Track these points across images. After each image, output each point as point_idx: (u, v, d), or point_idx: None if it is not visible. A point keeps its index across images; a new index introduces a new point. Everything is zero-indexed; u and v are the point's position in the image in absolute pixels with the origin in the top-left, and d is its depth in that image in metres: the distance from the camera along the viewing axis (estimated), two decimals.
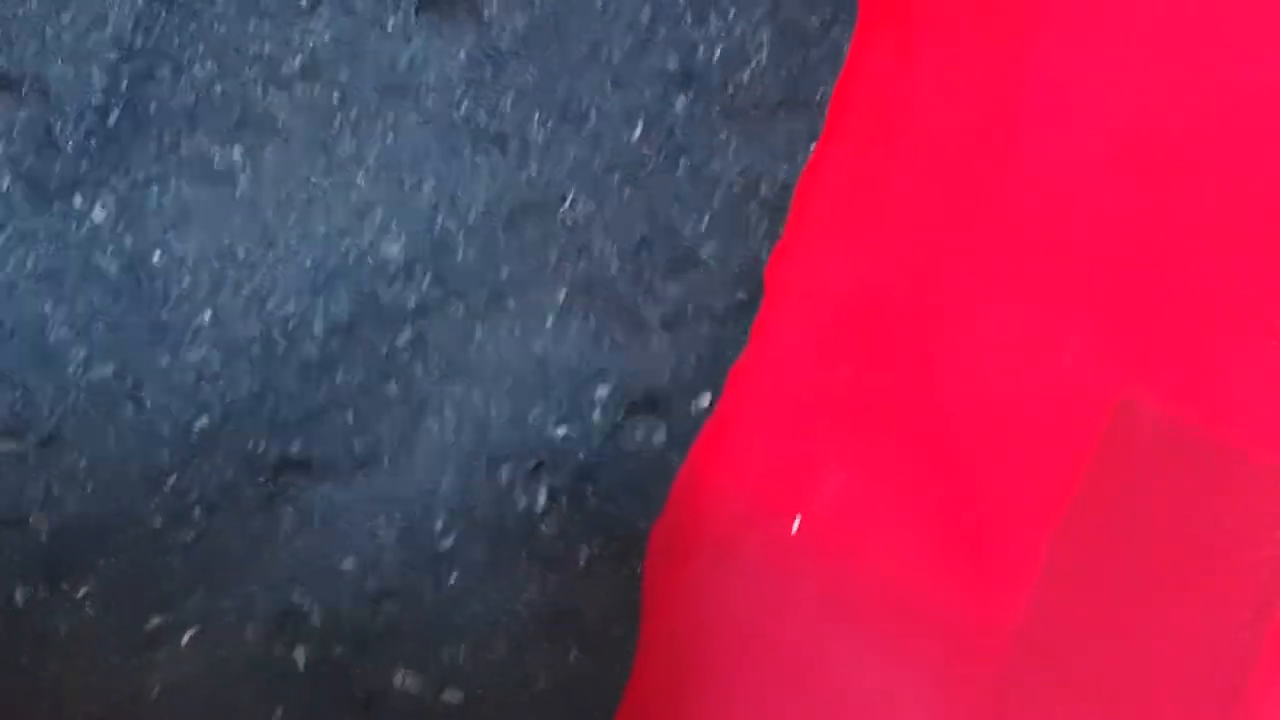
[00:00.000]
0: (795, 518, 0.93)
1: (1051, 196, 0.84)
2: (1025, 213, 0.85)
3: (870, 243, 0.98)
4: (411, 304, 0.98)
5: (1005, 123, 0.90)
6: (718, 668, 0.96)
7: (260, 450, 0.96)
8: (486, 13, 0.94)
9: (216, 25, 0.91)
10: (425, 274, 0.98)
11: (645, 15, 0.98)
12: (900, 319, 0.92)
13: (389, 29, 0.93)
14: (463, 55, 0.95)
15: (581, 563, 1.06)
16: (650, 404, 1.07)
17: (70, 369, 0.89)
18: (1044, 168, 0.86)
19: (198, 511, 0.96)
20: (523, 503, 1.04)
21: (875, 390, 0.91)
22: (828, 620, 0.87)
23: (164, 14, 0.90)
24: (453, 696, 1.01)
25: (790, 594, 0.91)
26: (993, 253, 0.86)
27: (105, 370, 0.90)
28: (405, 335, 0.98)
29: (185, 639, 0.96)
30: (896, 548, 0.84)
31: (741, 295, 1.06)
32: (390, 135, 0.95)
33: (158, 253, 0.91)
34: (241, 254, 0.94)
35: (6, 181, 0.83)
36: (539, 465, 1.04)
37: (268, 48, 0.92)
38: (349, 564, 0.99)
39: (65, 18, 0.87)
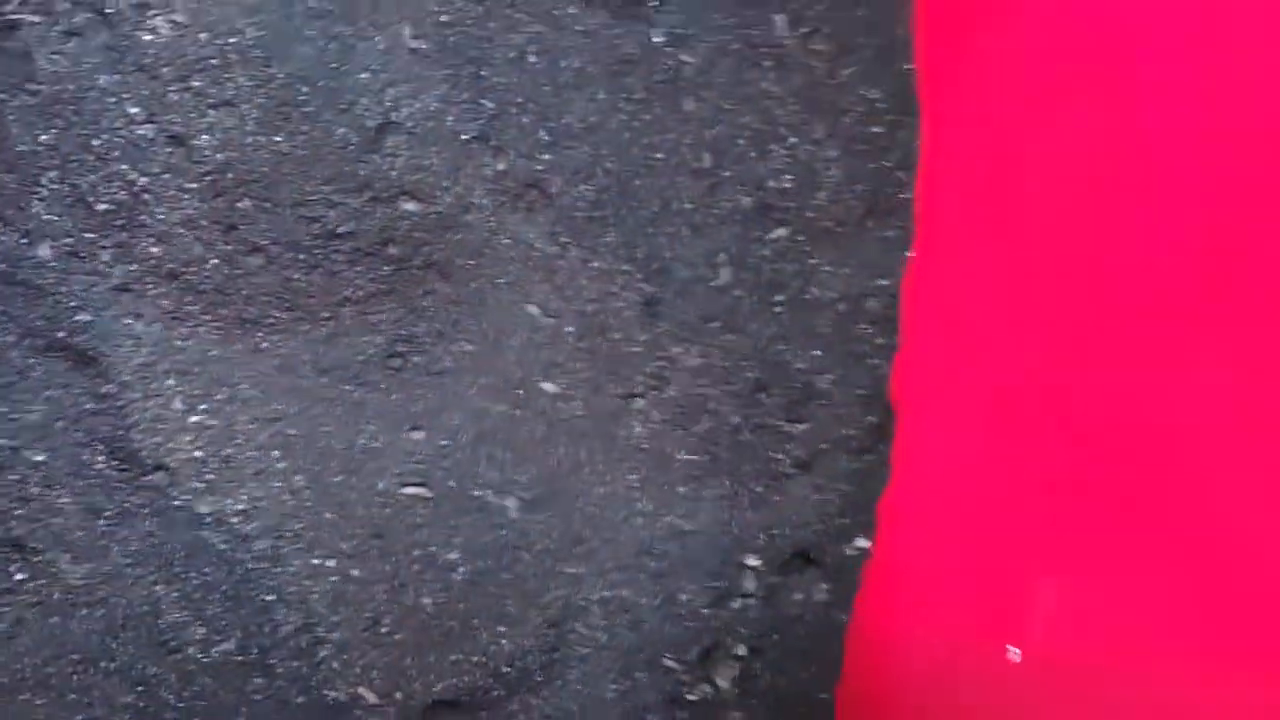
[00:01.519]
0: (1011, 647, 0.82)
1: (1184, 216, 0.76)
2: (1159, 234, 0.78)
3: (999, 330, 0.91)
4: (528, 497, 0.91)
5: (1108, 169, 0.84)
6: None
7: (405, 698, 0.87)
8: (554, 189, 0.91)
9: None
10: (531, 468, 0.91)
11: (707, 160, 0.95)
12: (1060, 400, 0.84)
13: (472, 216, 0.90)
14: (543, 232, 0.91)
15: None
16: (803, 558, 0.98)
17: (190, 651, 0.81)
18: (1162, 193, 0.79)
19: None
20: (694, 695, 0.94)
21: (1061, 485, 0.82)
22: None
23: None
24: None
25: None
26: (1142, 292, 0.78)
27: (227, 645, 0.82)
28: (536, 545, 0.91)
29: None
30: (1148, 648, 0.73)
31: (873, 419, 0.99)
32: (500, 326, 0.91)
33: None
34: None
35: (102, 461, 0.78)
36: (702, 651, 0.95)
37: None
38: None
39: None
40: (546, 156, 0.91)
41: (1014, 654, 0.82)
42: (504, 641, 0.89)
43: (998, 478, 0.89)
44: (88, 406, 0.79)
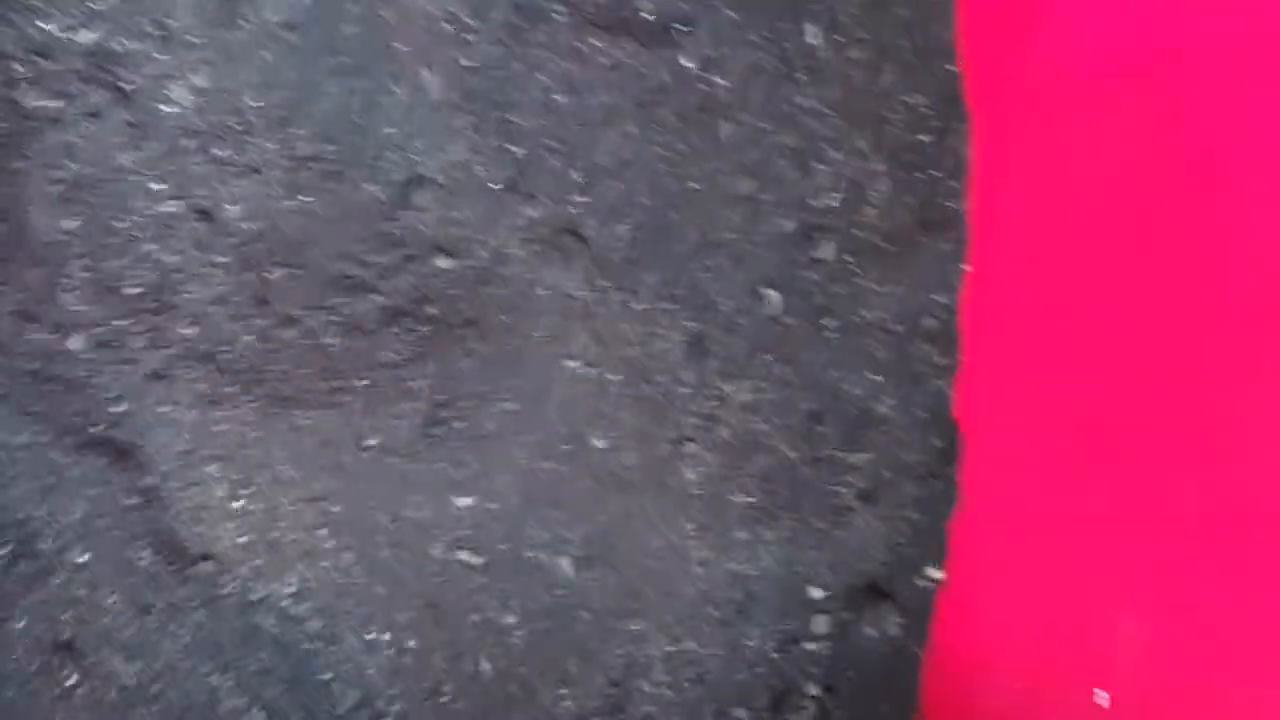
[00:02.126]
0: (1098, 691, 0.78)
1: (1255, 220, 0.71)
2: (1234, 239, 0.73)
3: (1066, 344, 0.87)
4: (582, 555, 0.88)
5: (1176, 168, 0.79)
6: None
7: None
8: (589, 232, 0.88)
9: None
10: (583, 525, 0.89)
11: (746, 186, 0.91)
12: (1142, 415, 0.79)
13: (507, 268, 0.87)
14: (580, 279, 0.88)
15: None
16: (873, 591, 0.95)
17: None
18: (1234, 197, 0.74)
19: None
20: None
21: (1149, 509, 0.78)
22: None
23: None
24: None
25: None
26: (1220, 302, 0.73)
27: None
28: (594, 603, 0.89)
29: None
30: (1244, 689, 0.69)
31: (937, 443, 0.95)
32: (542, 382, 0.88)
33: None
34: None
35: (147, 556, 0.77)
36: (774, 697, 0.92)
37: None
38: None
39: None
40: (580, 199, 0.88)
41: (1102, 699, 0.78)
42: (568, 703, 0.87)
43: (1077, 500, 0.85)
44: (129, 502, 0.78)
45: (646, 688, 0.89)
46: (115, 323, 0.79)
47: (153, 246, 0.79)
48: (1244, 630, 0.71)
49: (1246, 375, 0.71)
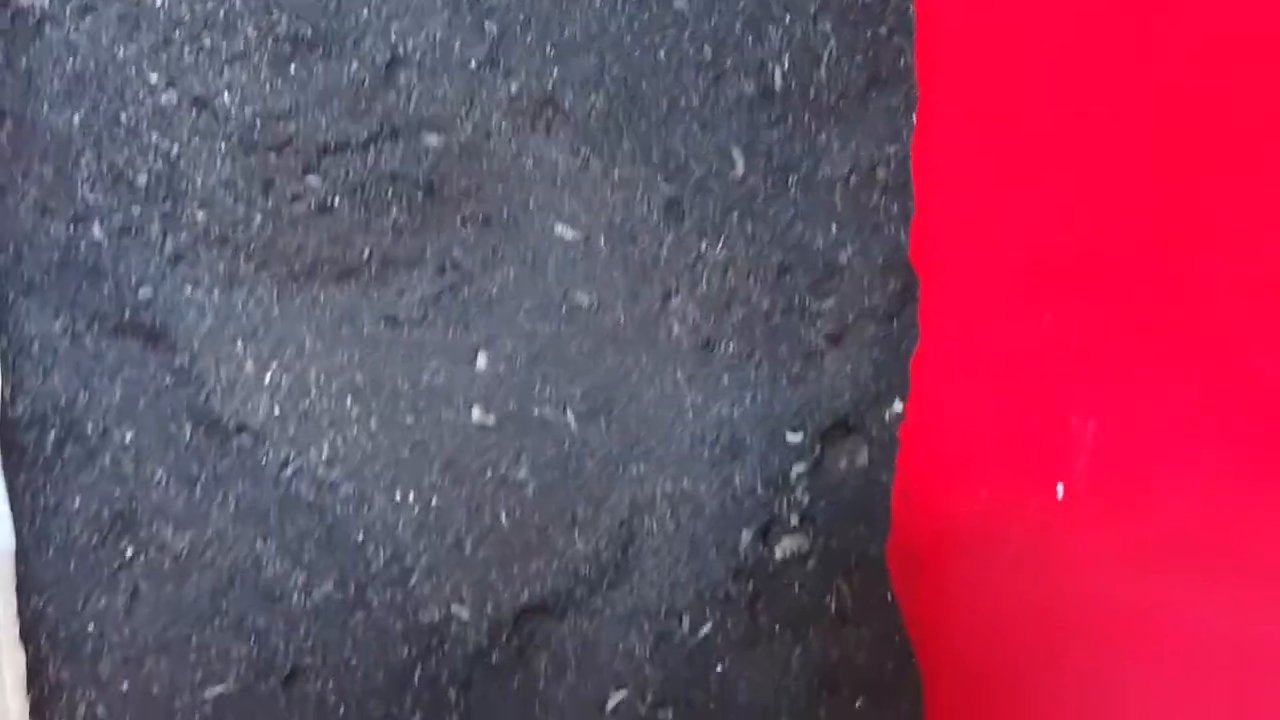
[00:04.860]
0: (1057, 484, 0.88)
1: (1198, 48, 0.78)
2: (1175, 85, 0.80)
3: (1013, 183, 0.94)
4: (585, 409, 0.94)
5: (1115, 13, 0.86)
6: (1026, 662, 0.90)
7: (495, 608, 0.92)
8: (567, 103, 0.91)
9: None
10: (584, 381, 0.95)
11: (708, 53, 0.96)
12: (1084, 244, 0.87)
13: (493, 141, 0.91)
14: (564, 148, 0.92)
15: (833, 607, 1.02)
16: (844, 426, 1.03)
17: (294, 597, 0.86)
18: (1176, 41, 0.81)
19: (453, 692, 0.92)
20: (760, 568, 1.00)
21: (1094, 325, 0.86)
22: (1141, 577, 0.81)
23: None
24: None
25: (1084, 563, 0.85)
26: (1157, 135, 0.81)
27: (326, 587, 0.87)
28: (598, 452, 0.95)
29: None
30: (1190, 479, 0.79)
31: (895, 286, 1.02)
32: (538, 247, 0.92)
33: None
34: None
35: (188, 431, 0.81)
36: (761, 526, 1.00)
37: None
38: (617, 697, 0.95)
39: None
40: (555, 71, 0.91)
41: (1057, 490, 0.87)
42: (579, 544, 0.93)
43: (1028, 325, 0.93)
44: (166, 381, 0.81)
45: (650, 524, 0.96)
46: (131, 210, 0.81)
47: (156, 136, 0.81)
48: (1180, 419, 0.80)
49: (1181, 201, 0.79)
